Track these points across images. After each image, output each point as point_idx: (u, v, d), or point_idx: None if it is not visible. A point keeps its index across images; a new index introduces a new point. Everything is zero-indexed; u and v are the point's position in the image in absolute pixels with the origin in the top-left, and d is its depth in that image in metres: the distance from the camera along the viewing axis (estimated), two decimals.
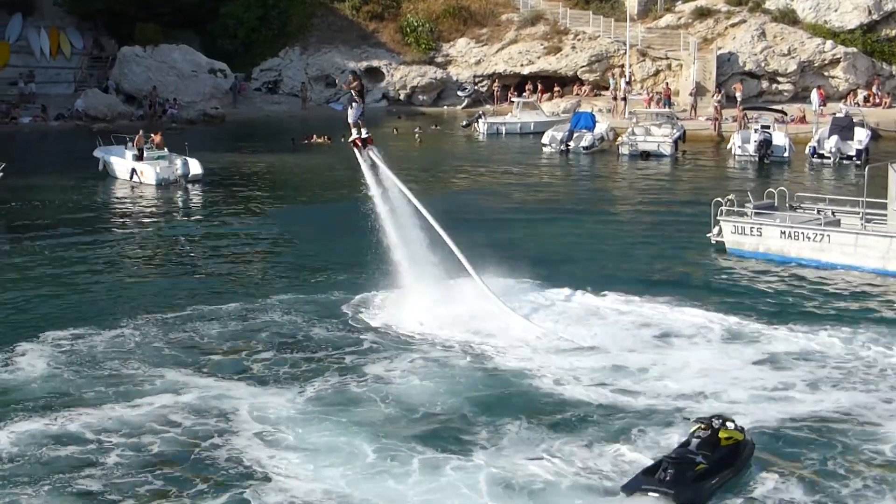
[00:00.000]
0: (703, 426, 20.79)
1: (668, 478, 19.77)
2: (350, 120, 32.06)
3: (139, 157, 54.09)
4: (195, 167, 54.12)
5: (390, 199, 31.84)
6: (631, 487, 19.86)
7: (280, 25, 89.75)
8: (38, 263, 37.07)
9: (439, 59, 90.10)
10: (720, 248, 38.01)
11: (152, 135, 56.68)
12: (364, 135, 32.01)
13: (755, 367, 25.98)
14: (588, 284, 32.82)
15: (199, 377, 25.30)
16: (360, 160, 32.23)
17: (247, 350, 27.54)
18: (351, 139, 32.30)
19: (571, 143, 67.53)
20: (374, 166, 32.13)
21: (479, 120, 77.79)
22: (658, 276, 34.88)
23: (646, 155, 64.55)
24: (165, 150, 55.35)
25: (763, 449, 21.14)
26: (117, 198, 51.38)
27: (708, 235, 38.50)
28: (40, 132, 75.41)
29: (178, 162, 53.57)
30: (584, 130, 68.53)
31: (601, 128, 69.64)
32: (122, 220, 45.71)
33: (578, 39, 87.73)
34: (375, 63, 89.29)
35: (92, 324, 29.31)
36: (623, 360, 26.39)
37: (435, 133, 76.63)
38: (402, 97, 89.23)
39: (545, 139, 69.09)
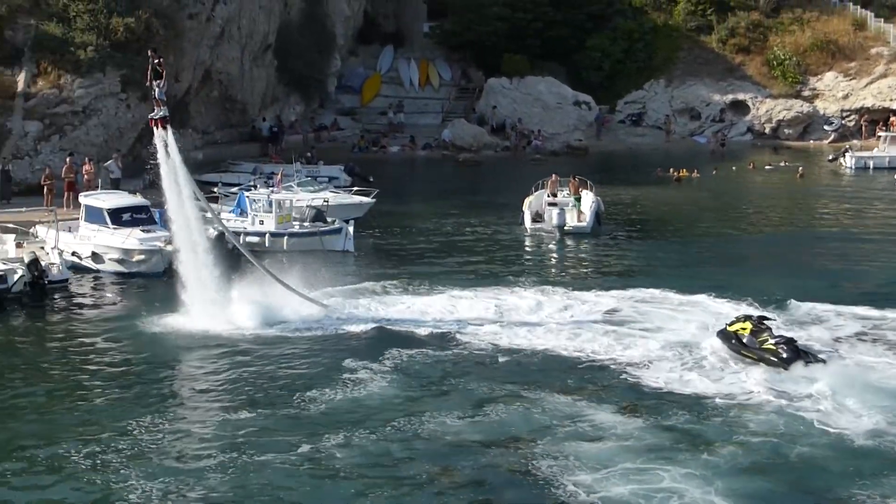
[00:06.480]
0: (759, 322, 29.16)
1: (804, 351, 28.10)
2: (159, 97, 32.48)
3: (552, 203, 50.70)
4: (583, 218, 49.92)
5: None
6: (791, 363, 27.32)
7: (645, 58, 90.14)
8: (399, 285, 38.32)
9: (806, 93, 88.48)
10: None
11: (570, 178, 52.05)
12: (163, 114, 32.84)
13: None
14: None
15: (540, 397, 25.98)
16: (157, 141, 32.98)
17: (607, 373, 28.11)
18: (152, 116, 33.10)
19: None
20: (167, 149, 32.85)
21: (846, 154, 76.10)
22: None
23: None
24: (587, 195, 51.35)
25: None
26: (483, 237, 49.71)
27: None
28: (408, 160, 77.66)
29: (555, 213, 49.15)
30: None
31: None
32: (462, 256, 45.42)
33: None
34: (741, 96, 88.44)
35: (433, 344, 30.87)
36: None
37: (782, 169, 74.68)
38: (766, 130, 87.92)
39: None
